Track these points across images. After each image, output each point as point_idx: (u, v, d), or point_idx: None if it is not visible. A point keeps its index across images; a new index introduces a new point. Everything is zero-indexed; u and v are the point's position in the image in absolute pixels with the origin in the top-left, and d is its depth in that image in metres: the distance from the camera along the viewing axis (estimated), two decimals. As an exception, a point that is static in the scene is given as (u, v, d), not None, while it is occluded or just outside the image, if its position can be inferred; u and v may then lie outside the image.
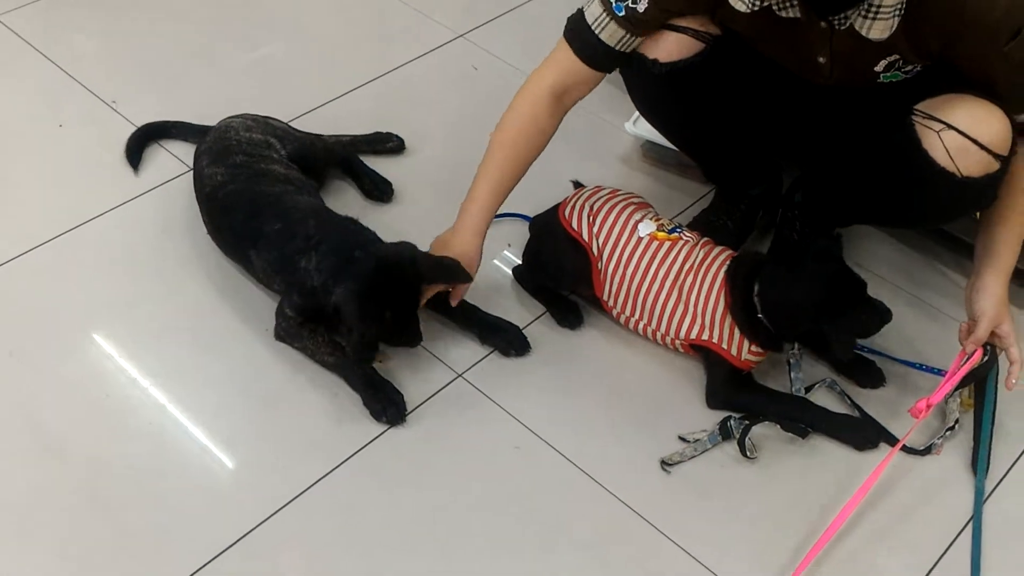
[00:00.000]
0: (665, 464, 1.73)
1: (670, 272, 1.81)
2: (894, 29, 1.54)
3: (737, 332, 1.76)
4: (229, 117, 2.10)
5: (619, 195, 1.92)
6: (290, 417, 1.77)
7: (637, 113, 2.22)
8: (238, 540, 1.60)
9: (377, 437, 1.75)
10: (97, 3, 2.65)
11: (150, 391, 1.80)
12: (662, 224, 1.86)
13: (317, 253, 1.76)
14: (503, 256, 2.06)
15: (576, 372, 1.88)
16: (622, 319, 1.89)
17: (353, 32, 2.65)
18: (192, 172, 2.05)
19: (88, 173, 2.18)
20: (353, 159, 2.20)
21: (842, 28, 1.58)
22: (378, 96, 2.43)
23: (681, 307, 1.80)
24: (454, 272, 1.78)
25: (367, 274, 1.72)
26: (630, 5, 1.69)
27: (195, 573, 1.55)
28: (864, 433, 1.78)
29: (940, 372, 1.84)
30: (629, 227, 1.85)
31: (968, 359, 1.70)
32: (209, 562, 1.57)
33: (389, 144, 2.25)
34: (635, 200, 1.92)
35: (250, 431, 1.76)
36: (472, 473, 1.72)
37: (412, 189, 2.19)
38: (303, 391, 1.80)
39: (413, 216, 2.10)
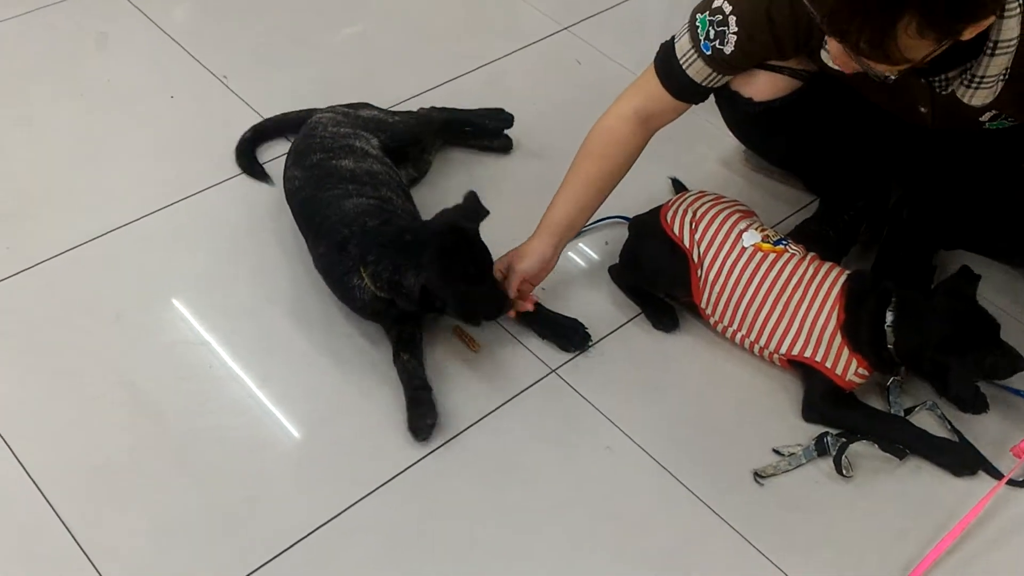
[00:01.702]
0: (759, 476, 1.71)
1: (775, 285, 1.79)
2: (997, 94, 1.50)
3: (845, 352, 1.73)
4: (323, 111, 2.11)
5: (723, 201, 1.90)
6: (376, 406, 1.78)
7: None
8: (323, 524, 1.62)
9: (468, 428, 1.76)
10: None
11: (242, 367, 1.82)
12: (767, 235, 1.84)
13: (367, 266, 1.73)
14: (601, 253, 2.05)
15: (670, 376, 1.87)
16: (719, 328, 1.87)
17: (455, 19, 2.65)
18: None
19: (197, 146, 2.21)
20: (454, 120, 2.20)
21: (943, 94, 1.54)
22: (479, 87, 2.42)
23: (785, 322, 1.78)
24: (475, 206, 1.78)
25: (432, 242, 1.69)
26: (717, 45, 1.66)
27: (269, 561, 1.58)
28: (963, 458, 1.74)
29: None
30: (733, 236, 1.83)
31: None
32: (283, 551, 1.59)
33: (497, 142, 2.23)
34: (740, 208, 1.90)
35: (336, 417, 1.77)
36: (562, 470, 1.72)
37: (513, 187, 2.17)
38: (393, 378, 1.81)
39: (514, 215, 2.00)
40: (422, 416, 1.71)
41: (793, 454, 1.74)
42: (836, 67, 1.55)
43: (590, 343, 1.88)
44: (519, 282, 1.80)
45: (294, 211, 1.95)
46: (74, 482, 1.64)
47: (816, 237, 2.00)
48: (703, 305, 1.85)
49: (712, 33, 1.64)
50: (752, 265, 1.80)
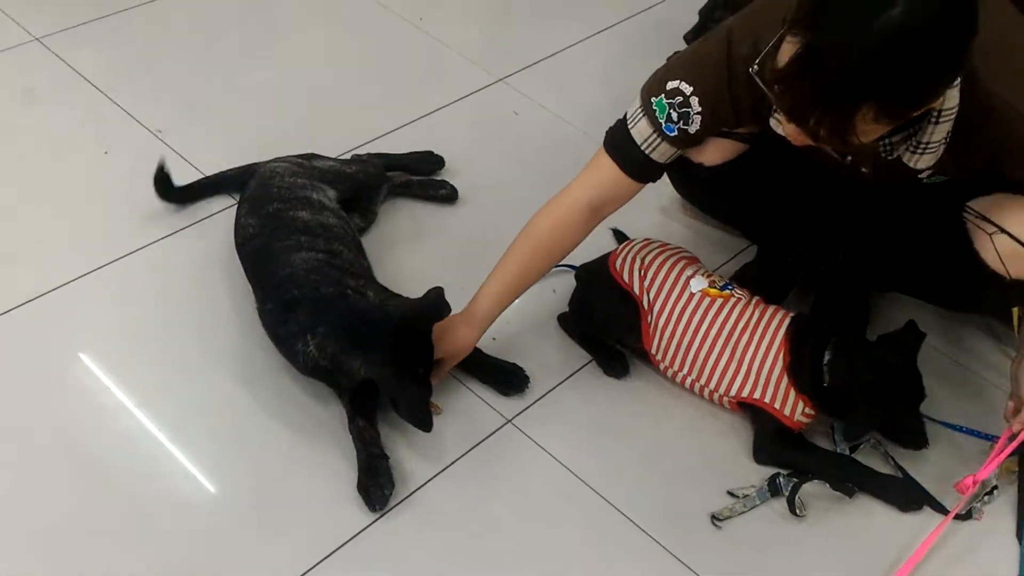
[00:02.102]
0: (716, 519, 1.74)
1: (723, 330, 1.83)
2: (940, 156, 1.57)
3: (792, 393, 1.78)
4: (277, 160, 2.09)
5: (669, 249, 1.94)
6: (331, 464, 1.76)
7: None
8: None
9: (426, 483, 1.75)
10: (137, 29, 2.66)
11: (189, 429, 1.79)
12: (714, 280, 1.89)
13: (315, 336, 1.72)
14: (549, 302, 2.07)
15: (623, 422, 1.90)
16: (669, 373, 1.90)
17: (389, 71, 2.66)
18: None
19: (135, 202, 2.16)
20: (391, 165, 2.23)
21: (889, 159, 1.61)
22: (419, 138, 2.43)
23: (734, 365, 1.82)
24: (439, 306, 1.75)
25: (390, 339, 1.68)
26: (681, 126, 1.69)
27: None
28: (908, 495, 1.80)
29: (982, 435, 1.90)
30: (681, 282, 1.87)
31: (1015, 438, 1.76)
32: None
33: (442, 191, 2.25)
34: (685, 255, 1.94)
35: (285, 479, 1.74)
36: (522, 520, 1.72)
37: (457, 235, 2.19)
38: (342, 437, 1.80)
39: (459, 264, 2.05)
40: (380, 487, 1.69)
41: (747, 495, 1.77)
42: (783, 133, 1.60)
43: (528, 386, 1.89)
44: (446, 370, 1.82)
45: (244, 259, 1.93)
46: (18, 547, 1.59)
47: (756, 282, 2.04)
48: (653, 351, 1.89)
49: (675, 115, 1.67)
50: (700, 310, 1.85)
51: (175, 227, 2.13)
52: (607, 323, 1.94)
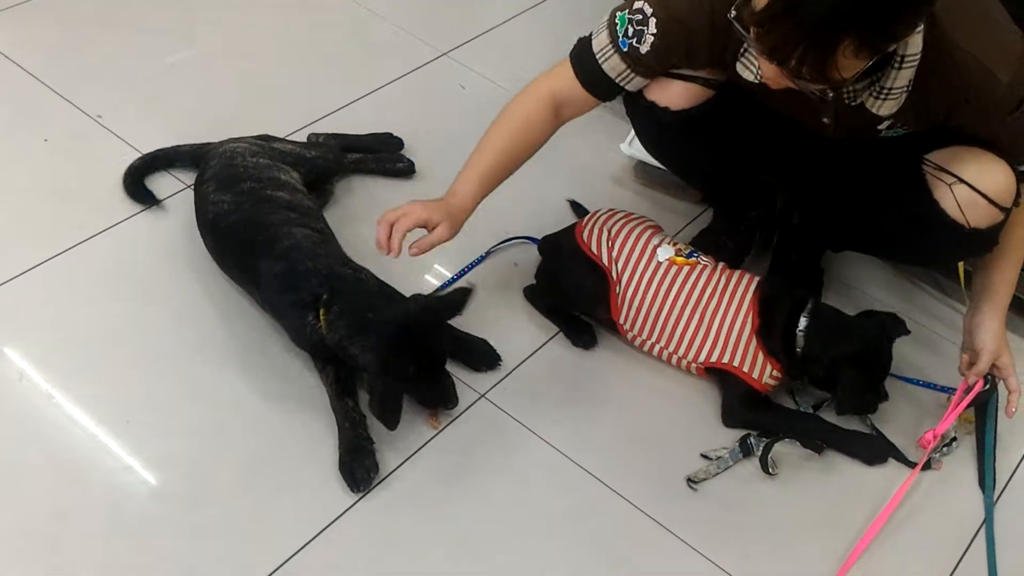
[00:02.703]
0: (691, 482, 1.77)
1: (691, 296, 1.86)
2: (901, 104, 1.61)
3: (760, 356, 1.82)
4: (232, 141, 2.06)
5: (634, 218, 1.96)
6: (304, 450, 1.74)
7: (632, 134, 2.27)
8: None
9: (404, 461, 1.75)
10: (69, 13, 2.57)
11: (164, 418, 1.76)
12: (679, 249, 1.91)
13: (329, 312, 1.71)
14: (512, 274, 2.08)
15: (594, 391, 1.92)
16: (637, 342, 1.93)
17: (332, 49, 2.62)
18: (194, 195, 2.00)
19: (80, 190, 2.11)
20: (349, 147, 2.22)
21: (852, 104, 1.64)
22: (367, 114, 2.41)
23: (702, 331, 1.85)
24: (461, 305, 1.79)
25: (389, 333, 1.68)
26: (634, 44, 1.71)
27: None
28: (874, 448, 1.85)
29: (937, 387, 1.97)
30: (648, 251, 1.89)
31: (971, 390, 1.83)
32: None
33: (399, 165, 2.24)
34: (650, 224, 1.96)
35: (263, 464, 1.72)
36: (502, 493, 1.73)
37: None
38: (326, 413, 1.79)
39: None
40: (366, 469, 1.68)
41: (720, 457, 1.81)
42: (750, 80, 1.64)
43: (500, 361, 1.90)
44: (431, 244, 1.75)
45: (220, 234, 1.89)
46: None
47: (714, 247, 2.08)
48: (621, 321, 1.91)
49: (631, 31, 1.69)
50: (668, 279, 1.87)
51: (128, 213, 2.07)
52: (575, 294, 1.95)
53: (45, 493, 1.63)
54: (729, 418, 1.87)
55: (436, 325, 1.74)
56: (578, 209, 2.21)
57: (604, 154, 2.38)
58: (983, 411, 1.88)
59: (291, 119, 2.33)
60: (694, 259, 1.90)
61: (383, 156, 2.25)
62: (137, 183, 2.10)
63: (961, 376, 1.88)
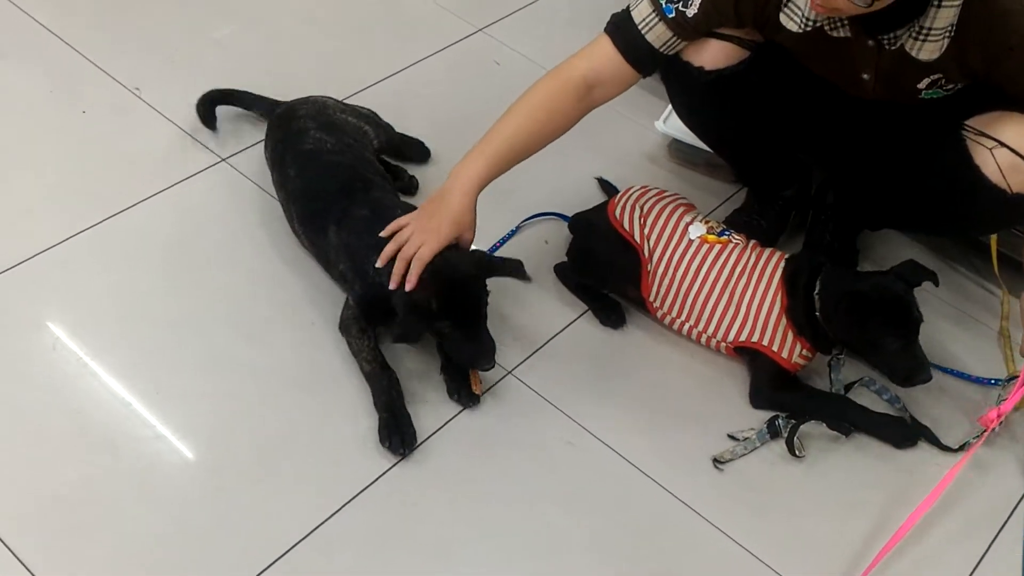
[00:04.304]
0: (717, 462, 1.77)
1: (721, 275, 1.84)
2: (943, 51, 1.59)
3: (790, 335, 1.80)
4: (313, 96, 2.12)
5: (667, 196, 1.94)
6: (341, 415, 1.76)
7: (667, 111, 2.26)
8: (298, 542, 1.60)
9: (432, 435, 1.76)
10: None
11: (195, 386, 1.78)
12: (711, 227, 1.90)
13: None
14: (542, 252, 2.08)
15: (622, 370, 1.91)
16: (667, 320, 1.92)
17: (369, 23, 2.62)
18: (274, 135, 2.05)
19: (118, 161, 2.14)
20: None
21: (892, 48, 1.62)
22: (402, 89, 2.42)
23: (732, 310, 1.84)
24: (514, 269, 1.84)
25: (424, 270, 1.70)
26: (680, 8, 1.70)
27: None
28: (903, 431, 1.83)
29: (974, 379, 1.93)
30: (680, 229, 1.88)
31: None
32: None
33: (406, 180, 2.18)
34: (682, 201, 1.95)
35: (296, 433, 1.74)
36: (525, 468, 1.74)
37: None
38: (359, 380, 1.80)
39: None
40: (406, 435, 1.72)
41: (747, 438, 1.80)
42: (793, 29, 1.63)
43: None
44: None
45: (317, 167, 1.93)
46: (30, 516, 1.57)
47: (747, 227, 2.06)
48: (651, 299, 1.90)
49: None
50: (699, 257, 1.86)
51: (163, 186, 2.10)
52: (607, 272, 1.95)
53: (76, 461, 1.66)
54: (757, 399, 1.86)
55: (475, 277, 1.74)
56: (607, 187, 2.20)
57: (639, 132, 2.36)
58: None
59: (329, 93, 2.33)
60: (726, 237, 1.88)
61: (398, 168, 2.20)
62: (209, 110, 2.20)
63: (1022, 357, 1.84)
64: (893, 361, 1.79)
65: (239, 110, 2.25)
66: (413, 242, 1.72)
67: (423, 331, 1.77)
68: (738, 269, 1.85)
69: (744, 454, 1.79)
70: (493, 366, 1.76)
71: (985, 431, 1.76)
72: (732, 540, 1.68)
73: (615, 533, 1.67)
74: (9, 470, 1.63)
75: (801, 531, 1.71)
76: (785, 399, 1.85)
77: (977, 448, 1.76)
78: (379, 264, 1.74)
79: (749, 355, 1.87)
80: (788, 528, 1.71)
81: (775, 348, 1.82)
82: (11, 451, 1.65)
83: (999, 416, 1.73)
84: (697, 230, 1.88)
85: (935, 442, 1.83)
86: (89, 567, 1.54)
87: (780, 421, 1.80)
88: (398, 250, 1.72)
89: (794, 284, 1.81)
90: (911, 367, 1.78)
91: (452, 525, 1.65)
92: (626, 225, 1.89)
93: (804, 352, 1.82)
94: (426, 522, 1.65)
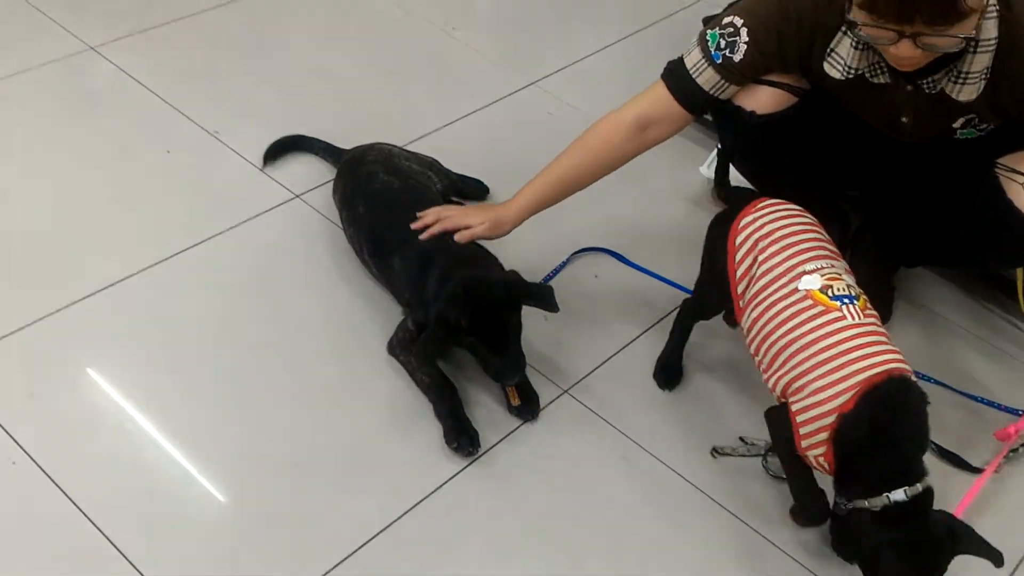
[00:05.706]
0: (715, 451, 1.88)
1: (804, 338, 1.65)
2: (980, 92, 1.73)
3: (824, 443, 1.61)
4: (378, 143, 2.29)
5: (798, 224, 1.77)
6: (414, 430, 1.88)
7: (711, 156, 2.40)
8: (372, 538, 1.71)
9: (489, 449, 1.87)
10: (183, 38, 2.81)
11: (283, 395, 1.92)
12: (831, 286, 1.68)
13: (440, 278, 1.88)
14: (592, 285, 2.21)
15: (682, 391, 2.01)
16: (750, 350, 1.78)
17: (430, 78, 2.81)
18: (344, 179, 2.22)
19: (199, 196, 2.31)
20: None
21: (932, 92, 1.76)
22: (456, 139, 2.57)
23: (796, 374, 1.65)
24: (545, 298, 1.89)
25: (456, 284, 1.83)
26: (727, 54, 1.86)
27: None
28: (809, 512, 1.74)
29: (1004, 408, 2.01)
30: (794, 273, 1.71)
31: None
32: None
33: (472, 189, 2.37)
34: (818, 243, 1.76)
35: (373, 439, 1.87)
36: (580, 485, 1.84)
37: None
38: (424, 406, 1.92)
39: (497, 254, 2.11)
40: (471, 440, 1.84)
41: (755, 444, 1.88)
42: (837, 77, 1.78)
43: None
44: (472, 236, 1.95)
45: (388, 200, 2.09)
46: (125, 511, 1.70)
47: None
48: (742, 322, 1.79)
49: (723, 43, 1.84)
50: (794, 308, 1.68)
51: (235, 222, 2.25)
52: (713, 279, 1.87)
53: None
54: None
55: (508, 298, 1.85)
56: (726, 193, 2.05)
57: (683, 176, 2.50)
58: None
59: (391, 140, 2.49)
60: (837, 303, 1.66)
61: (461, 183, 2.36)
62: (278, 154, 2.41)
63: None
64: None
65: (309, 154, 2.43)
66: (455, 219, 1.94)
67: (450, 345, 1.89)
68: (823, 344, 1.63)
69: (744, 456, 1.88)
70: (519, 380, 1.89)
71: (1005, 446, 1.85)
72: (782, 551, 1.76)
73: (669, 548, 1.75)
74: (104, 465, 1.76)
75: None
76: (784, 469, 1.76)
77: (999, 463, 1.84)
78: (414, 226, 1.96)
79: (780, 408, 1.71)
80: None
81: (801, 432, 1.63)
82: (101, 449, 1.78)
83: (1016, 431, 1.83)
84: (810, 282, 1.69)
85: (964, 466, 1.89)
86: (170, 558, 1.66)
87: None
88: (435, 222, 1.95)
89: (849, 459, 1.60)
90: None
91: (502, 540, 1.74)
92: (738, 257, 1.78)
93: (824, 462, 1.63)
94: (489, 523, 1.75)
